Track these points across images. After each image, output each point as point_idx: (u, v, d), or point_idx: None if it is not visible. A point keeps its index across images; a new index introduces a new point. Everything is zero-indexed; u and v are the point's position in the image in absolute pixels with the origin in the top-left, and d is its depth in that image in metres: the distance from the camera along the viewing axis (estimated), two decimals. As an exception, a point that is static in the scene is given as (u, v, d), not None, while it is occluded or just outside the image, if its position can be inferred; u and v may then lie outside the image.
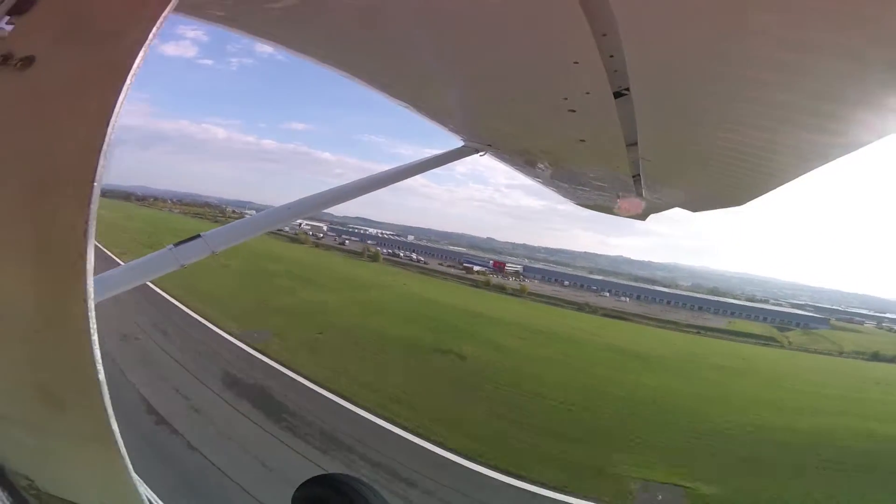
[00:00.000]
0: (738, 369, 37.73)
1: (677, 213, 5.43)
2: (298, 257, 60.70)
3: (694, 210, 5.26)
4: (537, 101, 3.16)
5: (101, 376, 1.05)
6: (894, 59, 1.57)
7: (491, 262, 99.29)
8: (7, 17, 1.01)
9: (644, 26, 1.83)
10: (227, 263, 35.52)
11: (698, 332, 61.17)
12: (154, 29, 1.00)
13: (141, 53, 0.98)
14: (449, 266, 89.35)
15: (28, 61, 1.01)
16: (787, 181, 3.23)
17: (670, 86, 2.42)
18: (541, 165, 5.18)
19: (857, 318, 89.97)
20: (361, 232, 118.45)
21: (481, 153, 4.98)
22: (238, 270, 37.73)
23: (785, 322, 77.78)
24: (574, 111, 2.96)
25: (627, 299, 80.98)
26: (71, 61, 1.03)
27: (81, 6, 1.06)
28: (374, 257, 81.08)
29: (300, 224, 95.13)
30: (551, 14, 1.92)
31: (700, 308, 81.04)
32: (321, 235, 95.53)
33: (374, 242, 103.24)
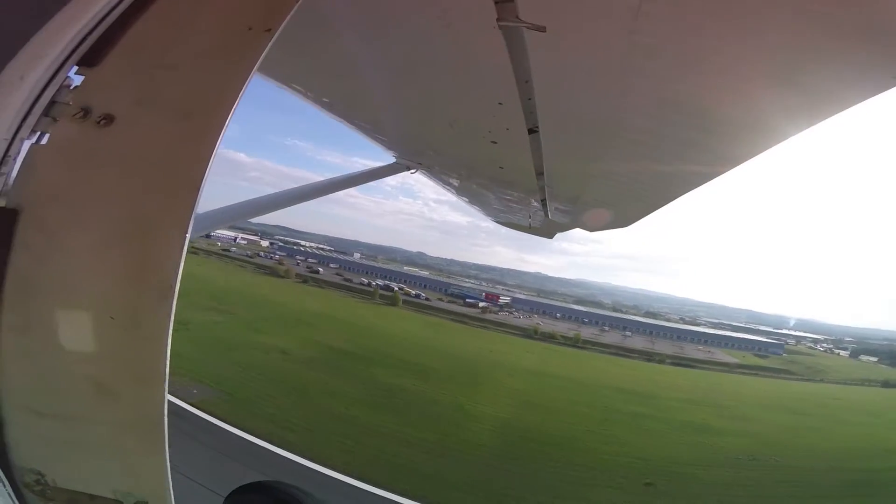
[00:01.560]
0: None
1: (579, 233, 6.39)
2: (317, 310, 46.29)
3: (591, 230, 6.19)
4: (466, 132, 3.68)
5: (167, 367, 1.18)
6: (750, 92, 2.00)
7: (483, 294, 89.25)
8: (76, 67, 1.07)
9: (552, 77, 2.36)
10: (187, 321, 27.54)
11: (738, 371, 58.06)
12: (238, 99, 1.17)
13: (225, 125, 1.16)
14: (453, 302, 76.74)
15: (109, 119, 1.10)
16: (665, 204, 3.92)
17: (569, 127, 3.08)
18: (466, 186, 5.73)
19: (805, 342, 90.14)
20: (309, 251, 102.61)
21: (412, 171, 5.38)
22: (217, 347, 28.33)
23: (743, 348, 76.96)
24: (495, 143, 3.53)
25: (630, 334, 76.03)
26: (152, 128, 1.13)
27: (156, 69, 1.15)
28: (392, 301, 63.78)
29: (235, 238, 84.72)
30: (484, 60, 2.36)
31: (679, 338, 78.26)
32: (276, 257, 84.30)
33: (317, 261, 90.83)
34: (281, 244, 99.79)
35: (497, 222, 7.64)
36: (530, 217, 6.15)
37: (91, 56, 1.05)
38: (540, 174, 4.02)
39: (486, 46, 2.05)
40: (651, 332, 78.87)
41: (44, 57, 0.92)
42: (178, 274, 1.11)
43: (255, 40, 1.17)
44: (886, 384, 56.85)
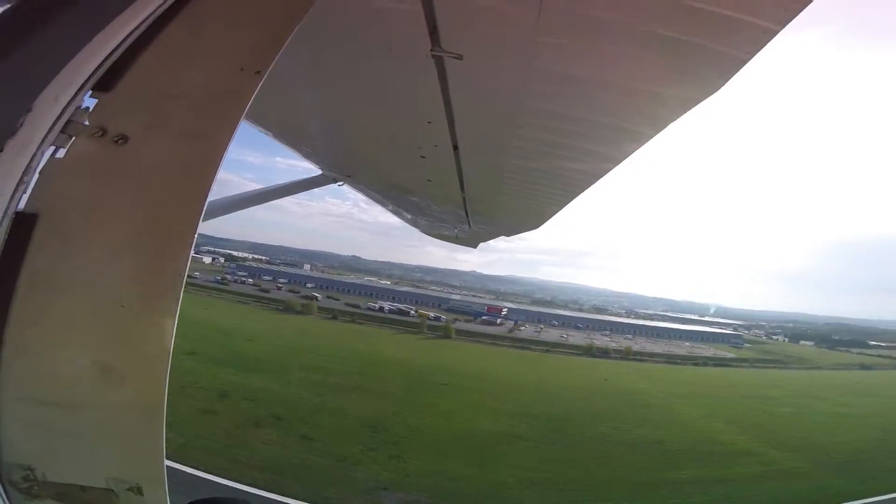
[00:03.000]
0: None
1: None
2: (392, 356, 38.93)
3: (508, 235, 6.83)
4: (397, 147, 3.99)
5: (170, 355, 1.28)
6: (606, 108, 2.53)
7: (486, 307, 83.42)
8: (91, 91, 1.17)
9: (467, 99, 2.72)
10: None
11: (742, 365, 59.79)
12: (235, 130, 1.34)
13: (232, 137, 1.34)
14: (469, 321, 70.56)
15: (124, 139, 1.24)
16: (568, 202, 4.47)
17: (482, 144, 3.49)
18: (395, 199, 5.99)
19: (768, 332, 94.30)
20: (255, 266, 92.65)
21: (339, 183, 5.50)
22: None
23: (708, 341, 79.35)
24: (424, 157, 3.88)
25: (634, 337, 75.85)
26: (164, 146, 1.29)
27: (167, 89, 1.29)
28: (445, 332, 56.77)
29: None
30: (417, 83, 2.64)
31: (658, 336, 79.65)
32: (229, 278, 73.55)
33: (272, 277, 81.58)
34: (223, 260, 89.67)
35: (426, 233, 7.99)
36: (456, 228, 6.61)
37: (105, 81, 1.18)
38: (463, 187, 4.46)
39: (418, 71, 2.38)
40: (636, 333, 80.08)
41: (74, 83, 1.03)
42: (185, 271, 1.28)
43: (247, 81, 1.33)
44: (863, 366, 62.95)
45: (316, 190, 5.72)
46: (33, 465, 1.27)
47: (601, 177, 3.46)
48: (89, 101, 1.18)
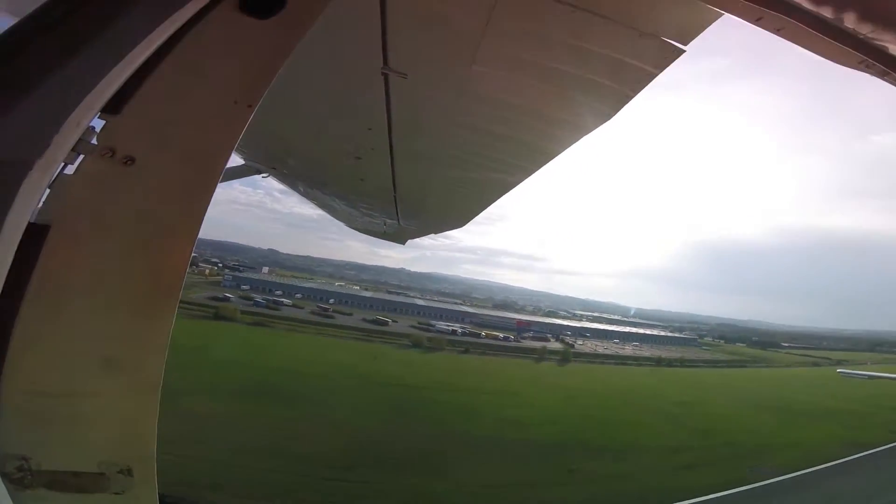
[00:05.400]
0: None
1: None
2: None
3: (436, 233, 7.31)
4: (334, 148, 4.20)
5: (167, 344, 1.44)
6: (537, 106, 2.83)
7: (515, 322, 76.81)
8: (100, 113, 1.25)
9: (406, 111, 3.02)
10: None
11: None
12: (229, 157, 1.51)
13: (225, 165, 1.51)
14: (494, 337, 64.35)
15: (130, 160, 1.36)
16: (490, 204, 4.96)
17: (416, 150, 3.83)
18: (320, 192, 6.01)
19: (699, 333, 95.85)
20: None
21: (264, 175, 5.36)
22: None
23: (669, 343, 79.37)
24: (360, 158, 4.15)
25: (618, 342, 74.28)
26: (166, 169, 1.43)
27: (169, 116, 1.41)
28: (540, 355, 54.45)
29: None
30: (363, 93, 2.91)
31: (616, 339, 78.00)
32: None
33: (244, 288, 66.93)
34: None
35: (352, 227, 8.05)
36: (385, 225, 6.87)
37: (115, 104, 1.28)
38: (395, 188, 4.77)
39: (367, 84, 2.70)
40: (607, 338, 78.69)
41: (94, 107, 1.14)
42: (183, 277, 1.50)
43: (240, 113, 1.48)
44: (840, 363, 65.10)
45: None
46: (28, 455, 1.33)
47: (518, 184, 4.02)
48: (96, 122, 1.29)
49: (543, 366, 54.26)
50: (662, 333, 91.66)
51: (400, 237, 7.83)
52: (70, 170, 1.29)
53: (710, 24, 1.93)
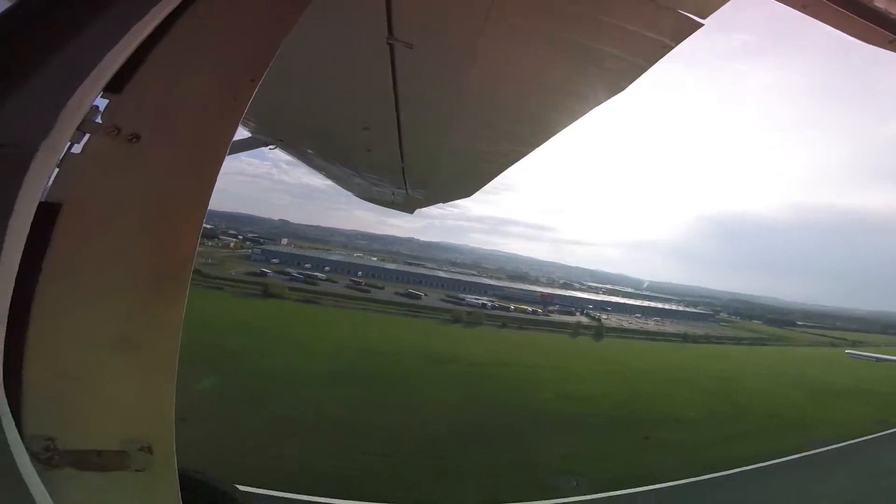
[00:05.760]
0: None
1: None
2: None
3: (444, 202, 7.30)
4: (341, 119, 4.22)
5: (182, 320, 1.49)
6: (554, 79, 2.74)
7: (538, 295, 79.18)
8: (103, 92, 1.27)
9: (413, 81, 3.01)
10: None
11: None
12: (234, 133, 1.52)
13: (231, 139, 1.52)
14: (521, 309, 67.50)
15: (136, 137, 1.39)
16: (499, 173, 4.91)
17: (425, 120, 3.81)
18: (327, 163, 6.13)
19: (714, 308, 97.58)
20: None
21: (271, 147, 5.53)
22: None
23: (688, 319, 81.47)
24: (368, 129, 4.21)
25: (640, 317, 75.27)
26: (172, 145, 1.45)
27: (172, 93, 1.43)
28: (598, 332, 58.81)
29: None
30: (369, 63, 2.86)
31: (629, 312, 79.62)
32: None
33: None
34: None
35: (360, 197, 8.17)
36: (393, 194, 6.95)
37: (115, 83, 1.29)
38: (403, 158, 4.83)
39: (372, 54, 2.69)
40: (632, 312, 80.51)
41: (97, 86, 1.13)
42: (193, 254, 1.53)
43: (244, 87, 1.48)
44: (855, 343, 67.85)
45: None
46: (54, 436, 1.36)
47: (527, 154, 3.99)
48: (99, 101, 1.30)
49: (580, 341, 56.94)
50: (679, 308, 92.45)
51: (408, 206, 7.83)
52: (77, 149, 1.32)
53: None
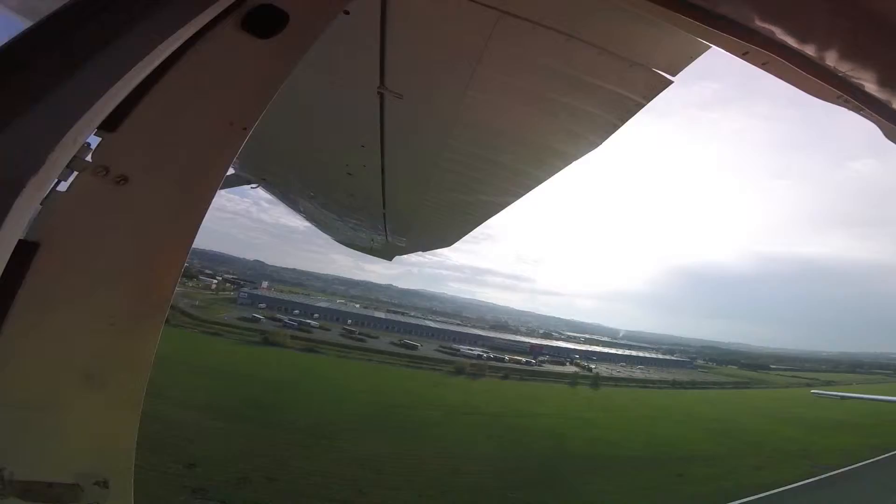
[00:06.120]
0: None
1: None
2: None
3: (424, 250, 7.34)
4: (324, 163, 4.29)
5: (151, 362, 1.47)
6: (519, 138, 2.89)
7: (528, 346, 78.94)
8: (96, 130, 1.25)
9: (400, 131, 3.11)
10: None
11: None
12: (221, 181, 1.51)
13: (218, 187, 1.51)
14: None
15: (124, 179, 1.36)
16: (479, 224, 4.96)
17: (407, 169, 3.91)
18: (310, 206, 6.17)
19: (689, 356, 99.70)
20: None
21: (253, 185, 5.57)
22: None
23: (668, 366, 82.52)
24: (351, 175, 4.28)
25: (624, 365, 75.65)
26: (159, 190, 1.43)
27: (165, 136, 1.42)
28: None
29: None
30: (357, 111, 2.98)
31: (612, 360, 79.73)
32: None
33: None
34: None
35: (338, 241, 8.17)
36: (372, 240, 6.98)
37: (109, 122, 1.27)
38: (385, 205, 4.90)
39: (362, 103, 2.78)
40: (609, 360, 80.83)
41: (91, 125, 1.12)
42: (171, 296, 1.51)
43: (235, 135, 1.48)
44: (830, 383, 70.94)
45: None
46: (3, 465, 1.32)
47: (506, 206, 4.08)
48: (92, 139, 1.27)
49: (580, 389, 58.50)
50: (658, 356, 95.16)
51: (387, 253, 7.84)
52: (63, 186, 1.28)
53: (698, 56, 1.98)
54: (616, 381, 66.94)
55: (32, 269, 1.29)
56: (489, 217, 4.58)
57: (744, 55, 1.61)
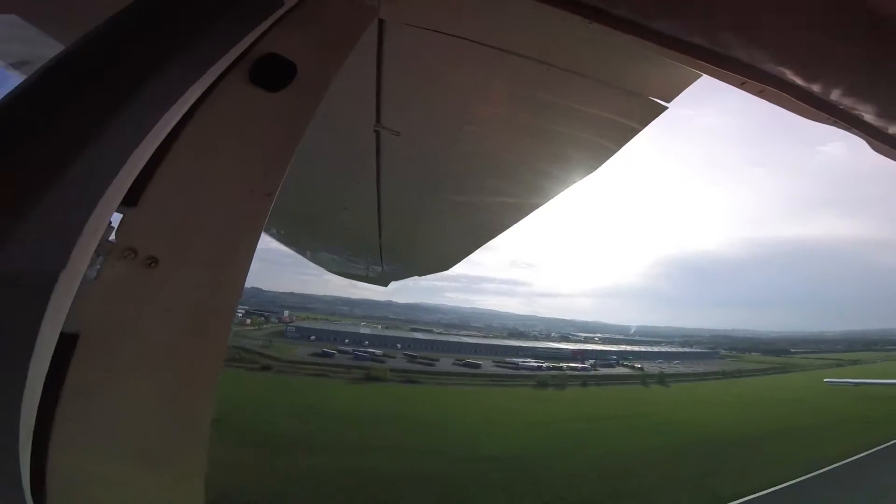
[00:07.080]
0: None
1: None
2: None
3: (420, 275, 7.32)
4: (319, 198, 4.35)
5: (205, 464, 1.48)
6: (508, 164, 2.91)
7: (572, 352, 79.48)
8: (119, 207, 1.19)
9: (395, 166, 3.13)
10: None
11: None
12: (253, 251, 1.45)
13: (251, 258, 1.44)
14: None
15: (154, 261, 1.31)
16: (476, 248, 5.00)
17: (403, 203, 3.96)
18: (303, 239, 6.37)
19: (709, 346, 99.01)
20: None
21: None
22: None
23: (695, 358, 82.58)
24: (347, 209, 4.42)
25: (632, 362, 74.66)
26: (191, 272, 1.37)
27: (187, 208, 1.35)
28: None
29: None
30: (354, 148, 2.99)
31: (646, 358, 79.62)
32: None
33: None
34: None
35: (331, 271, 8.18)
36: (367, 269, 7.07)
37: (132, 196, 1.24)
38: (381, 236, 4.97)
39: (358, 139, 2.83)
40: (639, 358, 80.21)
41: (111, 205, 1.08)
42: (216, 378, 1.47)
43: (260, 202, 1.41)
44: (856, 362, 71.40)
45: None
46: None
47: (506, 230, 4.13)
48: (114, 216, 1.23)
49: (654, 389, 59.35)
50: (683, 350, 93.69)
51: (382, 280, 7.84)
52: (92, 272, 1.28)
53: (692, 83, 2.04)
54: (675, 377, 66.65)
55: (75, 361, 1.28)
56: (488, 241, 4.64)
57: (741, 85, 1.68)
